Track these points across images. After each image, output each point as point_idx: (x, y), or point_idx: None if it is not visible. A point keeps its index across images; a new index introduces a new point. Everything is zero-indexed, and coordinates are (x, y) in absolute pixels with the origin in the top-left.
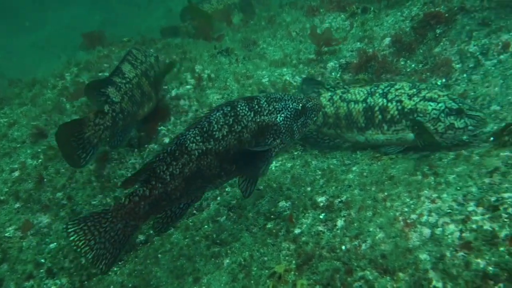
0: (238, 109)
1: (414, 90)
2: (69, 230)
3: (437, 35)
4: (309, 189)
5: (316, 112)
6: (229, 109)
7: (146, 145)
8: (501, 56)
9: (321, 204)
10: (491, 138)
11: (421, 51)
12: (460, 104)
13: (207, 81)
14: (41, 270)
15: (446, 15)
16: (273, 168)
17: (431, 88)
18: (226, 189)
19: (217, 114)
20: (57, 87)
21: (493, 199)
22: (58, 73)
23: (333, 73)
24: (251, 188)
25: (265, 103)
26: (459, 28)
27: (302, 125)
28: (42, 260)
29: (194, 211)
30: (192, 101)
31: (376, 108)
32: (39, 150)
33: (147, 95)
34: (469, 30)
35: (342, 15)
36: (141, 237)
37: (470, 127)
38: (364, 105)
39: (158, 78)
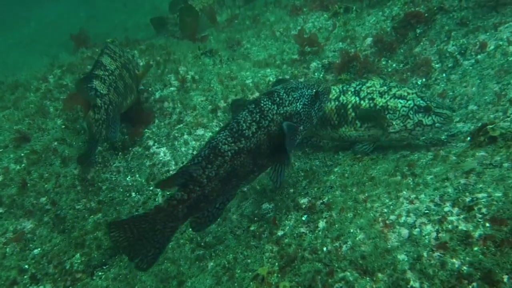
0: (262, 104)
1: (385, 87)
2: (111, 227)
3: (417, 34)
4: (291, 190)
5: (327, 95)
6: (253, 106)
7: (130, 148)
8: (479, 56)
9: (304, 205)
10: (468, 138)
11: (402, 50)
12: (428, 102)
13: (191, 82)
14: (25, 276)
15: (426, 14)
16: None
17: (401, 86)
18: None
19: (244, 113)
20: (40, 90)
21: (468, 199)
22: (41, 75)
23: (316, 74)
24: (281, 176)
25: (285, 94)
26: (438, 28)
27: (318, 110)
28: (26, 266)
29: None
30: (176, 103)
31: (349, 106)
32: (22, 154)
33: (129, 86)
34: (448, 30)
35: (325, 15)
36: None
37: (437, 124)
38: (336, 103)
39: (139, 73)
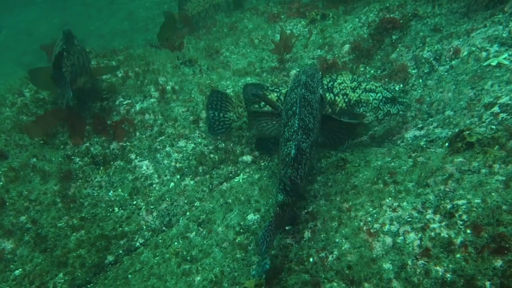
0: (307, 97)
1: (355, 83)
2: None
3: (393, 41)
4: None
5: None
6: (303, 100)
7: (112, 162)
8: (453, 62)
9: None
10: (446, 144)
11: (379, 57)
12: (392, 93)
13: (171, 93)
14: None
15: (401, 21)
16: (241, 181)
17: (368, 80)
18: (195, 204)
19: (302, 110)
20: (16, 105)
21: (449, 206)
22: (16, 89)
23: None
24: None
25: (312, 82)
26: (413, 34)
27: (323, 90)
28: None
29: (164, 228)
30: (157, 115)
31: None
32: (0, 172)
33: (85, 68)
34: (422, 36)
35: (303, 22)
36: (110, 258)
37: (401, 112)
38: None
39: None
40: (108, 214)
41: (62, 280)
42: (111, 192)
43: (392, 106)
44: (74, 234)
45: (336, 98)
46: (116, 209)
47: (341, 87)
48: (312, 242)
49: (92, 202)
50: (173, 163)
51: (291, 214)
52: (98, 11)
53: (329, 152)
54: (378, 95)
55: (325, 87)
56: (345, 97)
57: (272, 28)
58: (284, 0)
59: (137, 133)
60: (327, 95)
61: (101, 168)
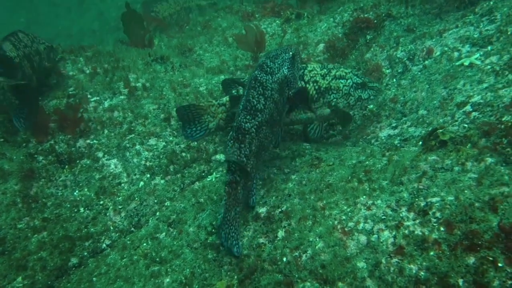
0: (260, 78)
1: (325, 70)
2: None
3: (367, 40)
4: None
5: (299, 54)
6: (253, 82)
7: (77, 161)
8: (426, 62)
9: (262, 215)
10: (420, 143)
11: (353, 56)
12: (362, 79)
13: (142, 90)
14: None
15: (375, 21)
16: (213, 180)
17: (338, 67)
18: (166, 203)
19: (250, 91)
20: None
21: (422, 204)
22: None
23: None
24: (280, 136)
25: (271, 63)
26: (387, 34)
27: (298, 69)
28: None
29: (132, 229)
30: (126, 112)
31: None
32: None
33: (28, 76)
34: (396, 36)
35: (277, 21)
36: (74, 260)
37: (371, 97)
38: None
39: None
40: (73, 215)
41: (21, 285)
42: (77, 191)
43: (363, 91)
44: (36, 235)
45: (307, 85)
46: (82, 209)
47: (311, 75)
48: (286, 242)
49: (56, 202)
50: (143, 162)
51: (243, 193)
52: (67, 10)
53: (303, 150)
54: (348, 81)
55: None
56: (315, 84)
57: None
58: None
59: (105, 131)
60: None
61: (66, 167)
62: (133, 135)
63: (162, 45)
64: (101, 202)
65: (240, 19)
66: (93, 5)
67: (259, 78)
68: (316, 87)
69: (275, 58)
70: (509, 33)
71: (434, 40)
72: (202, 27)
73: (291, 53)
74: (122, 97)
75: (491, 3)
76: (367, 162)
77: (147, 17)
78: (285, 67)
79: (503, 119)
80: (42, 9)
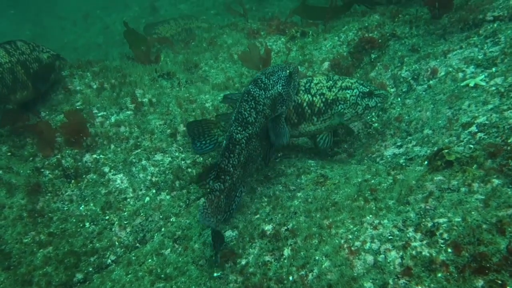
0: (253, 92)
1: (331, 82)
2: None
3: (372, 59)
4: (255, 217)
5: (297, 73)
6: (246, 95)
7: (84, 175)
8: (431, 82)
9: (268, 232)
10: (425, 162)
11: (358, 75)
12: (369, 87)
13: (148, 106)
14: None
15: (380, 40)
16: None
17: (343, 78)
18: (171, 219)
19: (242, 104)
20: None
21: (429, 224)
22: None
23: None
24: (270, 155)
25: (266, 79)
26: (391, 54)
27: (294, 88)
28: None
29: (137, 244)
30: (133, 128)
31: (305, 104)
32: None
33: (22, 83)
34: (400, 55)
35: (282, 38)
36: (79, 276)
37: (379, 104)
38: (293, 103)
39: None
40: (79, 230)
41: None
42: (82, 206)
43: (370, 100)
44: (41, 250)
45: (314, 98)
46: (87, 224)
47: (317, 88)
48: (292, 260)
49: (62, 217)
50: (149, 177)
51: (226, 201)
52: (72, 24)
53: (309, 168)
54: (355, 91)
55: (303, 88)
56: (322, 97)
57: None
58: (263, 17)
59: (112, 146)
60: (305, 96)
61: (73, 181)
62: (139, 150)
63: (168, 61)
64: (107, 217)
65: (245, 36)
66: (98, 19)
67: (253, 92)
68: (324, 99)
69: (271, 74)
70: None
71: (438, 60)
72: (208, 44)
73: (288, 71)
74: (128, 112)
75: (495, 25)
76: (373, 181)
77: (151, 39)
78: (280, 85)
79: (509, 140)
80: (47, 22)
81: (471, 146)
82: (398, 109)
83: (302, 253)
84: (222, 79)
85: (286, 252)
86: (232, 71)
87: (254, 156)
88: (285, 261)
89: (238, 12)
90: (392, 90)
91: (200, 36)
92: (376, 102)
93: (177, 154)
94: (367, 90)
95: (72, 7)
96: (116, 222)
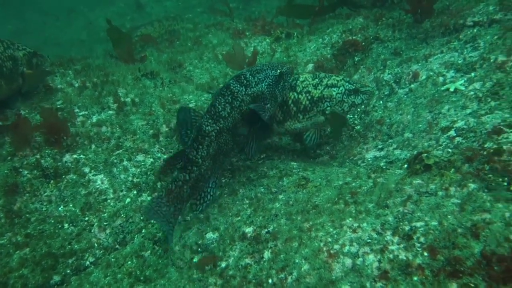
0: (232, 87)
1: (317, 80)
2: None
3: (355, 62)
4: (237, 219)
5: (290, 74)
6: (225, 90)
7: (63, 176)
8: (412, 85)
9: (249, 235)
10: (405, 166)
11: None
12: (354, 85)
13: (131, 106)
14: None
15: (363, 43)
16: None
17: (329, 75)
18: (152, 220)
19: (218, 98)
20: None
21: (407, 228)
22: None
23: None
24: (254, 149)
25: (250, 76)
26: (375, 57)
27: (282, 89)
28: None
29: (117, 246)
30: (115, 128)
31: (290, 102)
32: None
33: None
34: (383, 58)
35: (267, 39)
36: (56, 278)
37: (365, 101)
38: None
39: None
40: (57, 231)
41: None
42: (62, 207)
43: (356, 97)
44: (18, 252)
45: (300, 96)
46: (66, 225)
47: (303, 85)
48: (272, 263)
49: (40, 218)
50: (130, 178)
51: (191, 191)
52: (55, 19)
53: (291, 170)
54: (341, 88)
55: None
56: (307, 94)
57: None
58: (249, 17)
59: (93, 146)
60: (291, 94)
61: (52, 181)
62: (120, 150)
63: (152, 60)
64: (86, 218)
65: (230, 36)
66: (82, 14)
67: (233, 88)
68: (309, 97)
69: (258, 72)
70: (491, 60)
71: (420, 64)
72: (193, 43)
73: (279, 71)
74: (110, 112)
75: (475, 30)
76: (354, 184)
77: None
78: (266, 83)
79: (485, 145)
80: (30, 16)
81: (450, 150)
82: (380, 112)
83: (282, 256)
84: (207, 79)
85: (266, 254)
86: (216, 71)
87: (226, 149)
88: (265, 264)
89: (224, 12)
90: (375, 93)
91: (185, 35)
92: (362, 99)
93: (159, 155)
94: (353, 87)
95: (55, 1)
96: (96, 223)
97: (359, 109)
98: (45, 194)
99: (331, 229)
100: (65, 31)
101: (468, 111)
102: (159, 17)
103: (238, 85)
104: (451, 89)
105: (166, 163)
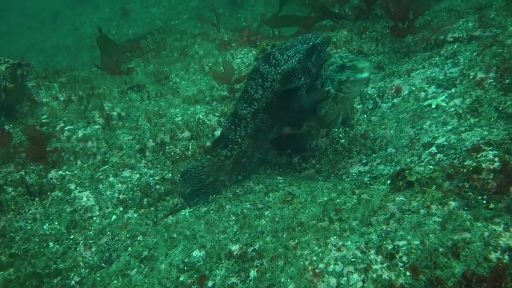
0: (262, 69)
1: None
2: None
3: None
4: (223, 236)
5: (326, 44)
6: (255, 73)
7: (49, 193)
8: (395, 100)
9: (235, 253)
10: (388, 181)
11: None
12: (343, 60)
13: (117, 120)
14: None
15: None
16: (187, 214)
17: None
18: (139, 238)
19: (249, 82)
20: None
21: (390, 247)
22: None
23: None
24: (300, 121)
25: (279, 55)
26: None
27: (317, 60)
28: None
29: (103, 264)
30: (101, 143)
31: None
32: None
33: None
34: None
35: (253, 51)
36: None
37: (350, 78)
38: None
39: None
40: (42, 250)
41: None
42: (47, 225)
43: (342, 74)
44: (1, 272)
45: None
46: (51, 244)
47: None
48: (258, 282)
49: (25, 237)
50: (116, 194)
51: (234, 166)
52: (40, 23)
53: (277, 185)
54: (334, 65)
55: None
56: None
57: (223, 56)
58: (235, 27)
59: (79, 162)
60: None
61: (37, 199)
62: (106, 166)
63: (138, 71)
64: (72, 237)
65: (216, 47)
66: (68, 20)
67: (262, 70)
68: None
69: (287, 49)
70: (471, 77)
71: (402, 79)
72: (179, 53)
73: (311, 43)
74: (96, 126)
75: (455, 46)
76: (338, 200)
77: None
78: (296, 59)
79: (465, 163)
80: (14, 20)
81: (431, 166)
82: (364, 126)
83: (268, 275)
84: (193, 91)
85: (252, 273)
86: (203, 84)
87: (264, 128)
88: (251, 283)
89: (210, 22)
90: (358, 106)
91: (172, 45)
92: (347, 76)
93: (145, 170)
94: (340, 62)
95: (40, 5)
96: (81, 242)
97: (353, 89)
98: (30, 212)
99: (316, 248)
100: (50, 37)
101: (449, 127)
102: (151, 29)
103: (267, 66)
104: (433, 105)
105: (213, 144)
